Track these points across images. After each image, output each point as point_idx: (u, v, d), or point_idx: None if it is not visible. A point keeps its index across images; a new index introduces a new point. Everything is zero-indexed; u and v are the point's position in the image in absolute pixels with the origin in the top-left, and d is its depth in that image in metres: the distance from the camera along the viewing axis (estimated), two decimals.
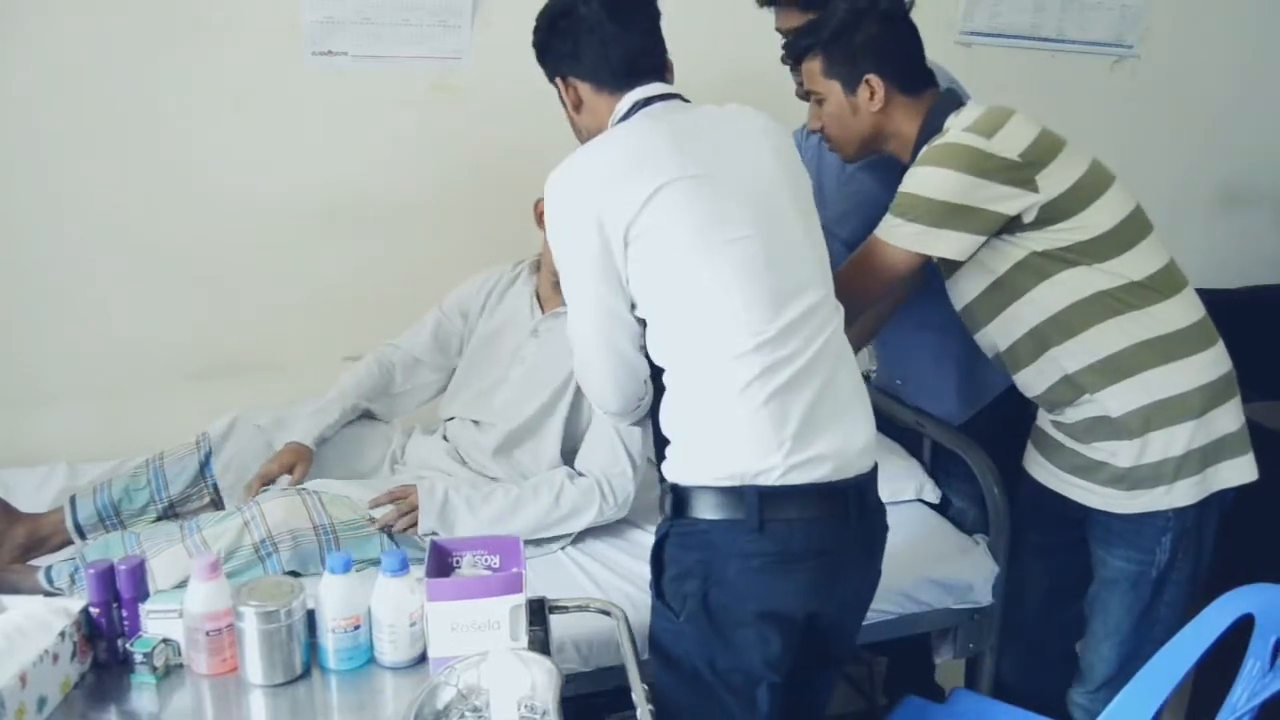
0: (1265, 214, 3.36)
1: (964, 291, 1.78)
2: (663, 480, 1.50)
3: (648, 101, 1.50)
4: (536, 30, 1.57)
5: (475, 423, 2.14)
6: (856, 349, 1.88)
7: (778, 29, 1.99)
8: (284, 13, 2.25)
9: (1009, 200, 1.63)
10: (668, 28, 1.58)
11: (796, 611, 1.44)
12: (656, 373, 1.53)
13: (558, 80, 1.57)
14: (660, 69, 1.56)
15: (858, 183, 1.89)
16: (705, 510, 1.42)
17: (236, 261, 2.37)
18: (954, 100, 1.75)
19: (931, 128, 1.71)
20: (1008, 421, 2.14)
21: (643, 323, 1.49)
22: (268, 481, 1.97)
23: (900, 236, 1.67)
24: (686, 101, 1.55)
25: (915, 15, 2.01)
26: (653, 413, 1.59)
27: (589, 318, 1.48)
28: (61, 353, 2.32)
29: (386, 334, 2.53)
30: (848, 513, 1.44)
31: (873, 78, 1.71)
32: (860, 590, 1.57)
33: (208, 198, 2.32)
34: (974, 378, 2.08)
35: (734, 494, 1.39)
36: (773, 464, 1.38)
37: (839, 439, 1.42)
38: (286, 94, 2.31)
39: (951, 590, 2.00)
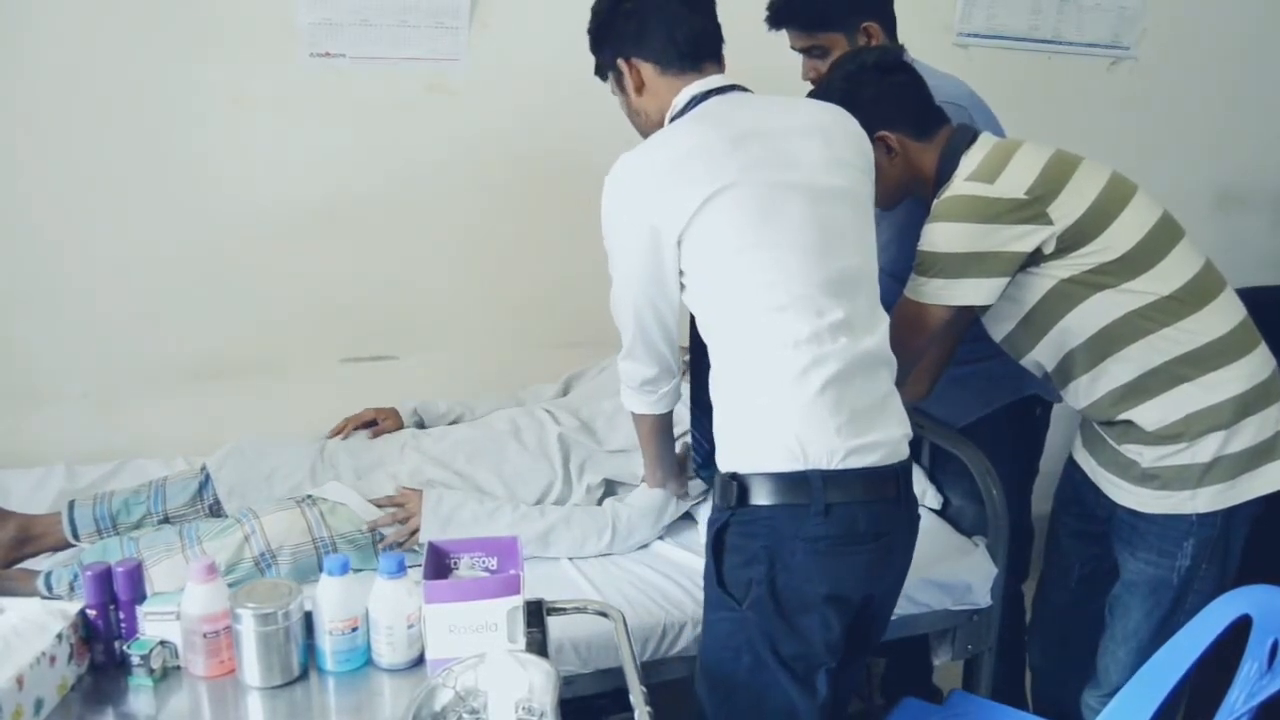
0: (1261, 215, 3.36)
1: (1001, 325, 1.79)
2: (716, 470, 1.52)
3: (706, 95, 1.51)
4: (596, 14, 1.59)
5: (549, 412, 2.20)
6: (927, 392, 1.91)
7: (793, 48, 2.03)
8: (281, 14, 2.25)
9: (1023, 238, 1.63)
10: None
11: (856, 594, 1.48)
12: (696, 368, 1.58)
13: (620, 62, 1.57)
14: (720, 54, 1.57)
15: (895, 212, 1.91)
16: (768, 496, 1.43)
17: (235, 263, 2.37)
18: (967, 135, 1.75)
19: (947, 166, 1.72)
20: (1021, 425, 2.15)
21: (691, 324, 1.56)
22: (358, 425, 2.27)
23: (926, 293, 1.69)
24: (746, 91, 1.55)
25: (912, 16, 2.03)
26: (697, 405, 1.66)
27: (629, 307, 1.54)
28: (59, 354, 2.32)
29: (384, 335, 2.54)
30: (898, 496, 1.48)
31: (886, 134, 1.73)
32: (902, 574, 1.60)
33: (206, 199, 2.32)
34: (989, 382, 2.08)
35: (797, 479, 1.41)
36: (834, 447, 1.41)
37: (884, 429, 1.46)
38: (284, 95, 2.31)
39: (950, 591, 2.00)
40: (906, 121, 1.74)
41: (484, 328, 2.60)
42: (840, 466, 1.41)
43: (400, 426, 2.30)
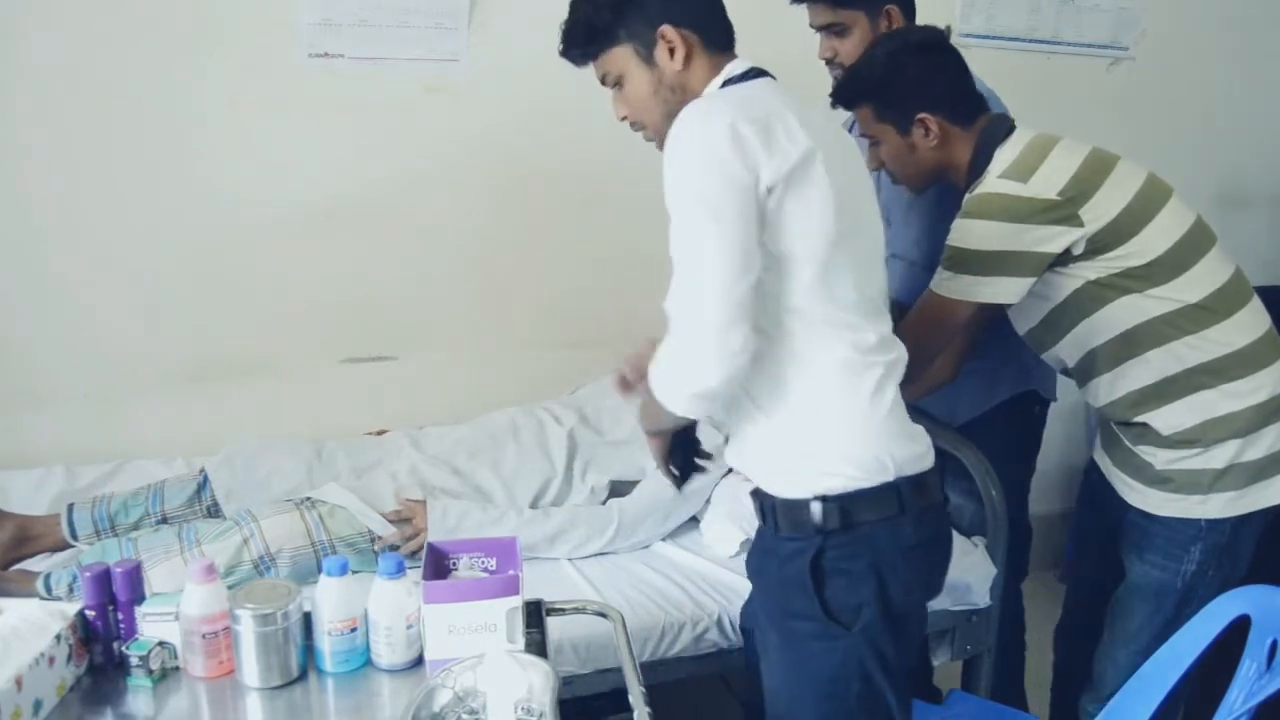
0: (1261, 216, 3.36)
1: (1025, 319, 1.79)
2: (760, 495, 1.44)
3: (761, 72, 1.39)
4: None
5: (548, 410, 2.22)
6: (952, 377, 1.90)
7: (811, 25, 2.01)
8: (280, 14, 2.25)
9: (1054, 239, 1.63)
10: None
11: (935, 595, 1.49)
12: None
13: (666, 29, 1.36)
14: None
15: (925, 203, 1.90)
16: (864, 513, 1.36)
17: (234, 263, 2.37)
18: (1003, 125, 1.73)
19: (982, 157, 1.70)
20: (1020, 423, 2.15)
21: None
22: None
23: (953, 289, 1.68)
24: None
25: None
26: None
27: (721, 264, 1.24)
28: (59, 354, 2.32)
29: (383, 336, 2.55)
30: (944, 495, 1.49)
31: (926, 116, 1.70)
32: None
33: (205, 200, 2.32)
34: (988, 378, 2.08)
35: (888, 490, 1.37)
36: (912, 453, 1.39)
37: (921, 434, 1.46)
38: (283, 96, 2.31)
39: (950, 592, 1.99)
40: (947, 105, 1.71)
41: (484, 328, 2.61)
42: (917, 471, 1.39)
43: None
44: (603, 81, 1.45)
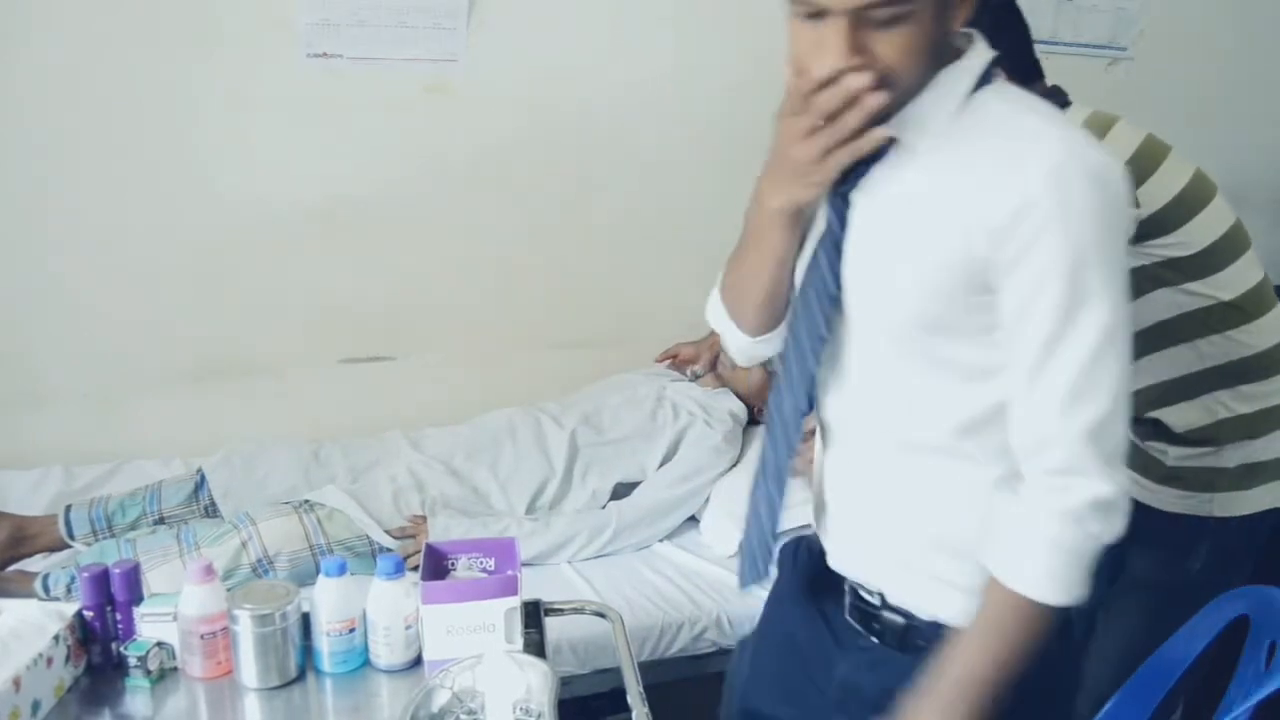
0: (1260, 216, 3.34)
1: None
2: (905, 614, 1.16)
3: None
4: None
5: (545, 411, 2.23)
6: None
7: None
8: (279, 15, 2.25)
9: None
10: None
11: None
12: None
13: None
14: None
15: None
16: (1052, 639, 1.08)
17: (233, 264, 2.37)
18: (1059, 98, 1.70)
19: None
20: None
21: None
22: None
23: None
24: None
25: None
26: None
27: (1130, 368, 1.04)
28: (58, 354, 2.32)
29: (383, 336, 2.54)
30: None
31: None
32: None
33: (203, 200, 2.31)
34: None
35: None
36: None
37: None
38: (281, 96, 2.31)
39: None
40: (1010, 64, 1.64)
41: (483, 328, 2.61)
42: None
43: None
44: (867, 8, 0.96)
